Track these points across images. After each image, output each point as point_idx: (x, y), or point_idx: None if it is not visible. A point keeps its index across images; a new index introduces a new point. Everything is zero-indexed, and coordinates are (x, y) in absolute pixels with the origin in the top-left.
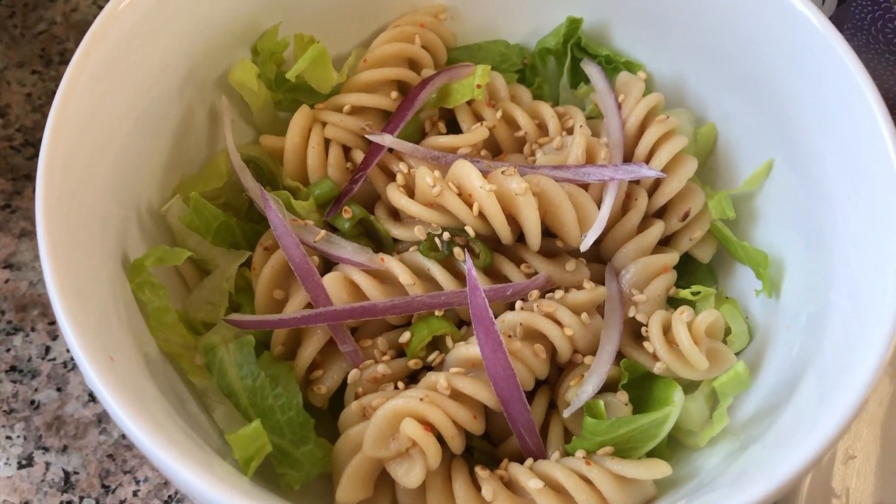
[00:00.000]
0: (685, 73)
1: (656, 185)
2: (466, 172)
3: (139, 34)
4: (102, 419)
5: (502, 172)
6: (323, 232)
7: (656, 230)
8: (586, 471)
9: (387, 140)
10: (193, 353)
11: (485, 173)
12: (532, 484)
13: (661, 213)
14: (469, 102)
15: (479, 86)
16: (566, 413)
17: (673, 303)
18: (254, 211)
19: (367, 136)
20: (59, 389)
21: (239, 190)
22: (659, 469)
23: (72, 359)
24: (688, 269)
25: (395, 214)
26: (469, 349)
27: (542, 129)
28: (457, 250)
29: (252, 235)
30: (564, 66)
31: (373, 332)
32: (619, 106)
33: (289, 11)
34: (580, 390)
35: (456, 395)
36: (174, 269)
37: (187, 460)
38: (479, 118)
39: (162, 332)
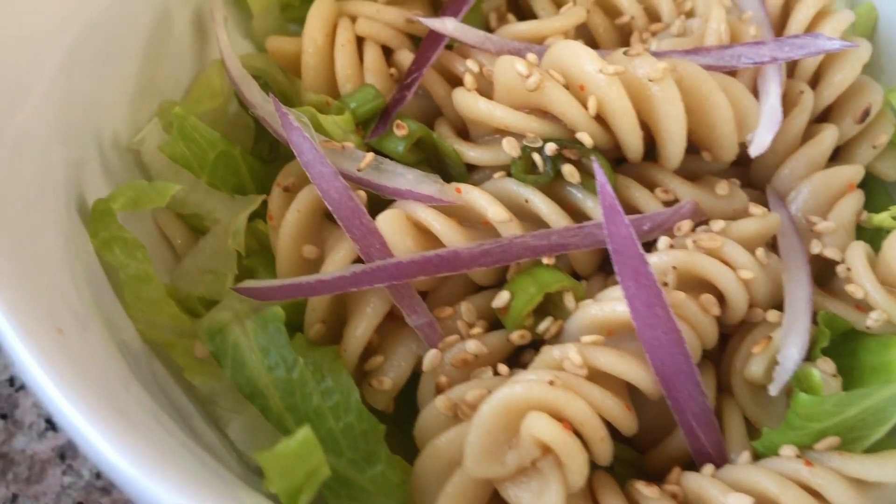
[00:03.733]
0: None
1: (815, 78)
2: (575, 53)
3: None
4: (66, 453)
5: (625, 53)
6: (370, 155)
7: (830, 135)
8: (808, 476)
9: (449, 27)
10: (191, 342)
11: None
12: (734, 501)
13: (825, 116)
14: None
15: None
16: (774, 389)
17: (861, 235)
18: (262, 147)
19: (424, 23)
20: (3, 417)
21: (241, 120)
22: None
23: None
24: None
25: (464, 133)
26: (604, 308)
27: (651, 14)
28: (567, 169)
29: (263, 177)
30: None
31: (452, 297)
32: None
33: None
34: (782, 355)
35: (593, 377)
36: (157, 232)
37: (204, 497)
38: (561, 5)
39: (143, 311)
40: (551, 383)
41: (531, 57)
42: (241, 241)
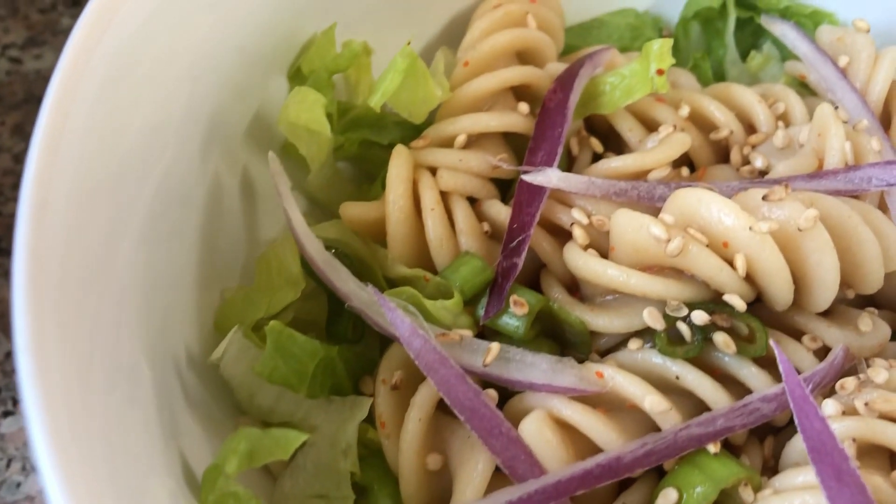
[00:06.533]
0: None
1: None
2: (716, 207)
3: (129, 73)
4: None
5: (765, 198)
6: (495, 346)
7: None
8: None
9: (554, 179)
10: None
11: None
12: None
13: None
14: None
15: (660, 71)
16: None
17: None
18: (343, 327)
19: (528, 180)
20: None
21: (311, 294)
22: None
23: None
24: None
25: (572, 287)
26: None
27: (744, 121)
28: (720, 339)
29: (354, 364)
30: (725, 31)
31: (601, 494)
32: (844, 73)
33: (324, 9)
34: None
35: None
36: None
37: None
38: (648, 123)
39: None
40: None
41: (667, 218)
42: (356, 460)
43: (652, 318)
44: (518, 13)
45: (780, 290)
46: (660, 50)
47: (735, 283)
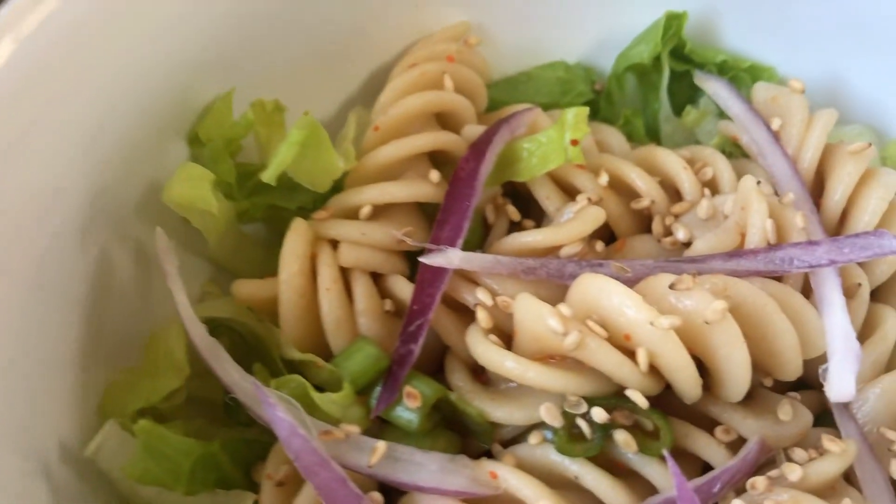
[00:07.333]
0: (841, 71)
1: None
2: (617, 298)
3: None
4: None
5: (672, 286)
6: (381, 445)
7: (893, 326)
8: None
9: (455, 260)
10: None
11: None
12: None
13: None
14: None
15: (574, 142)
16: None
17: None
18: (238, 411)
19: (426, 262)
20: None
21: (207, 371)
22: None
23: None
24: None
25: (477, 372)
26: None
27: (669, 189)
28: (621, 438)
29: (245, 452)
30: (660, 85)
31: None
32: (776, 137)
33: (232, 68)
34: None
35: None
36: None
37: None
38: (568, 189)
39: None
40: None
41: (564, 309)
42: None
43: (549, 415)
44: (435, 73)
45: (684, 385)
46: (574, 119)
47: (636, 379)
